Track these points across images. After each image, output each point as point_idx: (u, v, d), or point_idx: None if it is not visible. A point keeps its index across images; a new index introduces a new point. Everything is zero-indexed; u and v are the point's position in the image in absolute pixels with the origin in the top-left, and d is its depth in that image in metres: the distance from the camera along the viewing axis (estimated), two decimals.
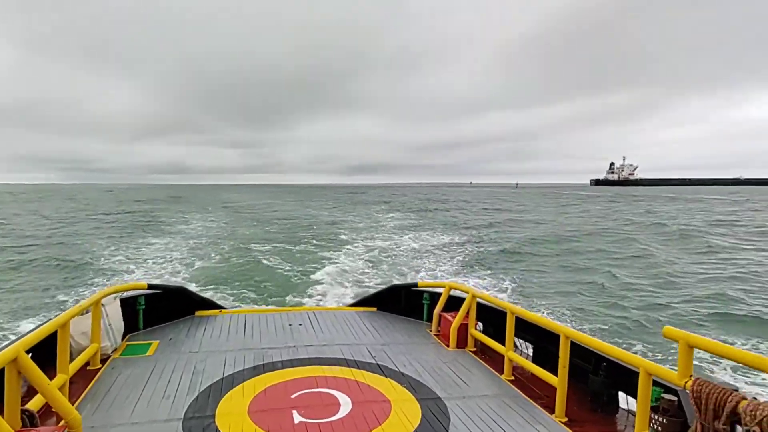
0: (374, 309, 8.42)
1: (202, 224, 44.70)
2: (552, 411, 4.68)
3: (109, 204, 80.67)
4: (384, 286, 9.38)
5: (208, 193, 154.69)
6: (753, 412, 2.79)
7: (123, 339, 6.50)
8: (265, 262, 24.22)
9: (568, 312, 15.31)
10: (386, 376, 5.46)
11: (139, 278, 19.67)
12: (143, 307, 7.02)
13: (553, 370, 4.68)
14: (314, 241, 32.19)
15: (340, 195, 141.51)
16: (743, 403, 2.88)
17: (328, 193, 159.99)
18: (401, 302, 8.19)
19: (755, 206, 68.90)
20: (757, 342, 12.62)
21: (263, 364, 5.74)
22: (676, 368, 3.39)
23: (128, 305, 6.74)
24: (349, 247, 29.99)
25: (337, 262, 24.02)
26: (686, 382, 3.22)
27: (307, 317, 7.85)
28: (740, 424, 2.87)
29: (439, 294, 7.44)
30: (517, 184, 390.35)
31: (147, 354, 6.08)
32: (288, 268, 22.54)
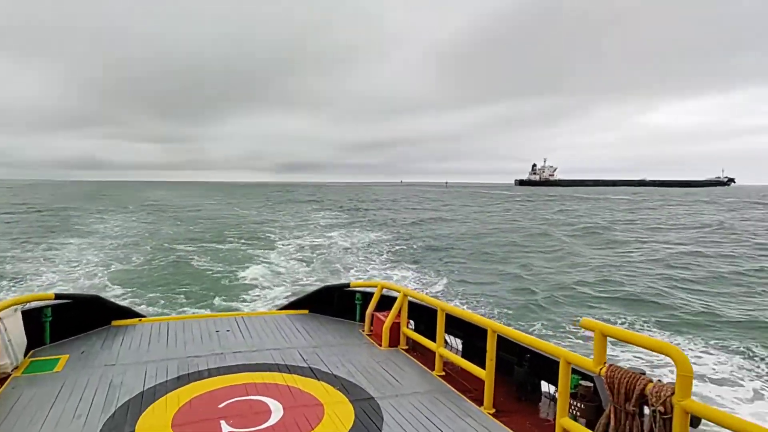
0: (306, 311, 8.27)
1: (121, 224, 41.81)
2: (481, 403, 4.85)
3: (9, 202, 73.00)
4: (316, 287, 9.27)
5: (128, 191, 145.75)
6: (658, 393, 3.06)
7: (26, 355, 5.88)
8: (191, 263, 23.13)
9: (483, 299, 16.95)
10: (319, 379, 5.39)
11: (50, 285, 17.96)
12: (50, 319, 6.37)
13: (482, 364, 4.84)
14: (243, 241, 31.26)
15: (271, 193, 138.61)
16: (650, 385, 3.14)
17: (259, 191, 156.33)
18: (333, 303, 8.11)
19: (652, 205, 76.77)
20: (636, 318, 14.93)
21: (188, 374, 5.44)
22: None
23: (32, 318, 6.10)
24: (280, 246, 29.40)
25: (268, 263, 23.45)
26: (601, 369, 3.45)
27: (235, 322, 7.54)
28: (648, 405, 3.13)
29: (372, 294, 7.45)
30: (446, 183, 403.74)
31: (54, 370, 5.53)
32: (216, 269, 21.65)
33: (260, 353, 6.20)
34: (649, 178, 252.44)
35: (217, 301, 16.15)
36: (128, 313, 7.65)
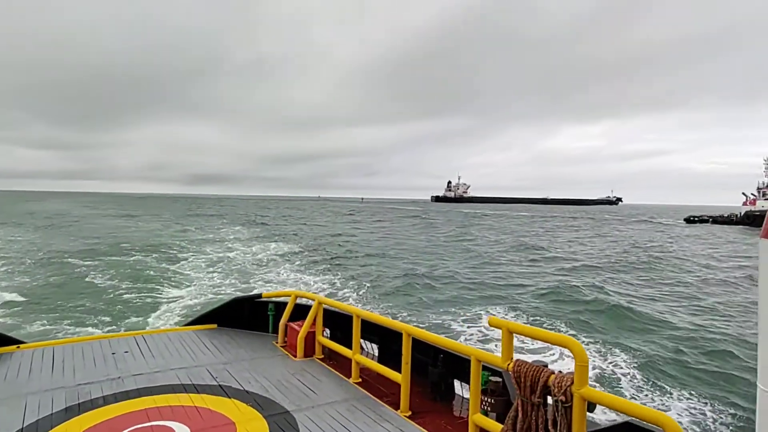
0: (215, 326, 7.80)
1: (1, 239, 37.02)
2: (398, 407, 4.85)
3: None
4: (225, 300, 8.77)
5: (14, 202, 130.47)
6: (559, 384, 3.23)
7: None
8: (84, 280, 21.10)
9: (375, 297, 19.87)
10: (230, 397, 5.08)
11: None
12: None
13: (398, 368, 4.85)
14: (145, 255, 29.14)
15: (180, 205, 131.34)
16: (552, 377, 3.31)
17: (167, 203, 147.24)
18: (244, 316, 7.73)
19: (546, 224, 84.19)
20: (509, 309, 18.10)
21: (78, 404, 4.83)
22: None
23: None
24: (187, 260, 27.96)
25: (174, 278, 22.12)
26: (509, 365, 3.59)
27: (135, 342, 6.90)
28: (551, 395, 3.31)
29: (285, 304, 7.20)
30: (362, 198, 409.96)
31: None
32: (113, 286, 19.93)
33: (164, 374, 5.71)
34: (551, 196, 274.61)
35: (114, 320, 14.80)
36: (4, 339, 6.64)
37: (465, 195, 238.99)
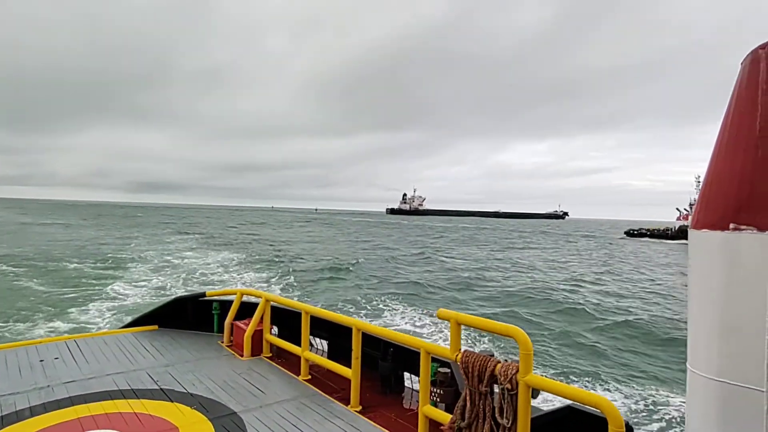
0: (155, 327, 7.43)
1: None
2: (348, 402, 4.79)
3: None
4: (166, 300, 8.36)
5: None
6: (505, 373, 3.27)
7: None
8: (12, 284, 19.59)
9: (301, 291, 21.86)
10: (173, 401, 4.83)
11: None
12: None
13: (348, 363, 4.80)
14: (79, 261, 27.69)
15: (123, 214, 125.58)
16: (499, 366, 3.36)
17: (109, 211, 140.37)
18: (187, 316, 7.42)
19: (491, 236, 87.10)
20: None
21: (1, 417, 4.44)
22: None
23: None
24: (126, 267, 26.81)
25: (113, 282, 21.12)
26: (457, 356, 3.61)
27: (66, 348, 6.42)
28: (498, 384, 3.35)
29: (231, 302, 6.98)
30: (316, 209, 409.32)
31: None
32: (43, 290, 18.67)
33: (99, 380, 5.33)
34: (503, 209, 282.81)
35: (43, 324, 13.79)
36: None
37: (420, 207, 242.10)
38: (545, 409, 3.72)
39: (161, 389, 5.13)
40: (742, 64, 2.01)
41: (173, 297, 8.01)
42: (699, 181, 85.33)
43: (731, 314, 1.93)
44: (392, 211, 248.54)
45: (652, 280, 31.04)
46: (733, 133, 1.99)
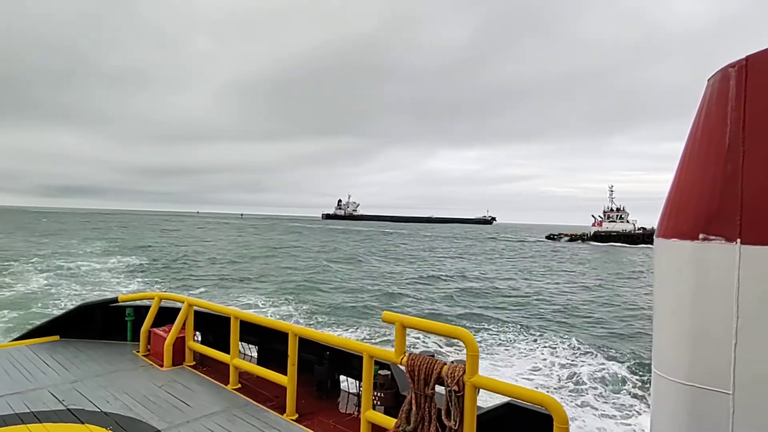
0: (56, 337, 6.63)
1: None
2: (283, 410, 4.54)
3: None
4: (70, 308, 7.40)
5: None
6: (452, 374, 3.25)
7: None
8: None
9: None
10: (83, 422, 4.25)
11: None
12: None
13: (280, 369, 4.55)
14: None
15: (27, 220, 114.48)
16: (445, 368, 3.33)
17: (14, 217, 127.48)
18: (96, 324, 6.68)
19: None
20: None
21: None
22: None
23: None
24: (26, 272, 24.72)
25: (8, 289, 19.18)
26: (402, 359, 3.54)
27: None
28: (444, 386, 3.32)
29: (147, 308, 6.39)
30: (242, 214, 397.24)
31: None
32: None
33: None
34: (435, 215, 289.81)
35: None
36: None
37: (355, 213, 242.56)
38: (484, 407, 3.76)
39: (68, 410, 4.52)
40: (709, 80, 2.08)
41: (79, 304, 7.22)
42: (612, 189, 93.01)
43: (699, 321, 2.00)
44: (328, 217, 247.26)
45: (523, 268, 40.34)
46: (703, 146, 2.05)
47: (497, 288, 27.48)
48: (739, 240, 1.88)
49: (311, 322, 17.04)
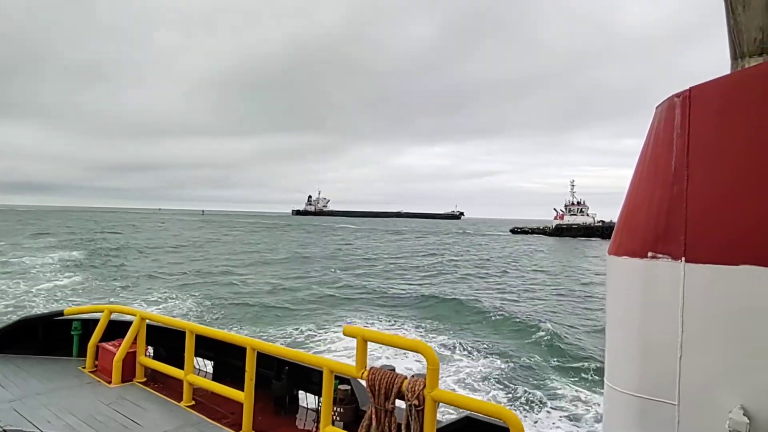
0: None
1: None
2: (239, 428, 4.39)
3: None
4: (8, 322, 7.01)
5: None
6: (413, 389, 3.23)
7: None
8: None
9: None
10: None
11: None
12: None
13: (236, 384, 4.42)
14: None
15: None
16: (405, 382, 3.33)
17: None
18: (38, 339, 6.34)
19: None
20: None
21: None
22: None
23: None
24: None
25: None
26: (363, 373, 3.50)
27: None
28: (404, 400, 3.34)
29: (96, 321, 6.10)
30: (203, 211, 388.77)
31: None
32: None
33: None
34: (404, 210, 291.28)
35: None
36: None
37: (325, 209, 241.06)
38: (444, 421, 3.79)
39: (5, 431, 4.35)
40: (657, 108, 2.18)
41: (19, 318, 6.74)
42: (573, 184, 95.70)
43: (647, 335, 2.07)
44: (298, 212, 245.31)
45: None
46: (651, 169, 2.15)
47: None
48: (683, 258, 1.97)
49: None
